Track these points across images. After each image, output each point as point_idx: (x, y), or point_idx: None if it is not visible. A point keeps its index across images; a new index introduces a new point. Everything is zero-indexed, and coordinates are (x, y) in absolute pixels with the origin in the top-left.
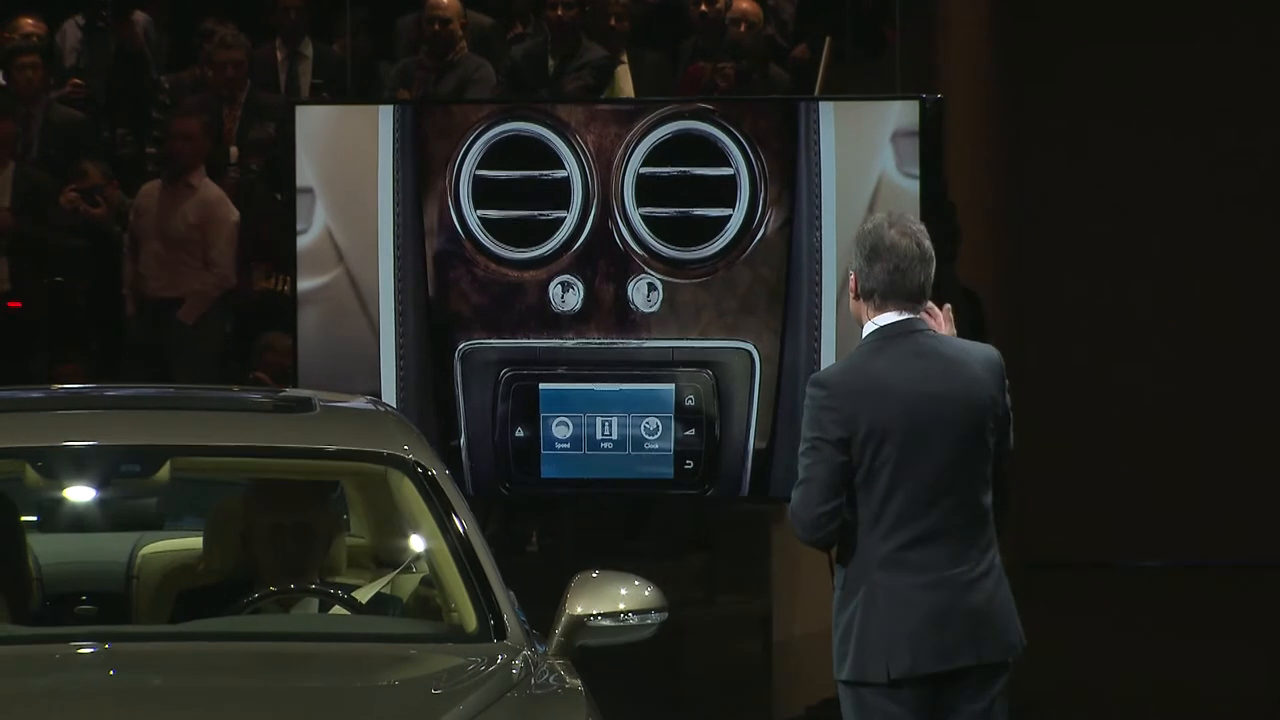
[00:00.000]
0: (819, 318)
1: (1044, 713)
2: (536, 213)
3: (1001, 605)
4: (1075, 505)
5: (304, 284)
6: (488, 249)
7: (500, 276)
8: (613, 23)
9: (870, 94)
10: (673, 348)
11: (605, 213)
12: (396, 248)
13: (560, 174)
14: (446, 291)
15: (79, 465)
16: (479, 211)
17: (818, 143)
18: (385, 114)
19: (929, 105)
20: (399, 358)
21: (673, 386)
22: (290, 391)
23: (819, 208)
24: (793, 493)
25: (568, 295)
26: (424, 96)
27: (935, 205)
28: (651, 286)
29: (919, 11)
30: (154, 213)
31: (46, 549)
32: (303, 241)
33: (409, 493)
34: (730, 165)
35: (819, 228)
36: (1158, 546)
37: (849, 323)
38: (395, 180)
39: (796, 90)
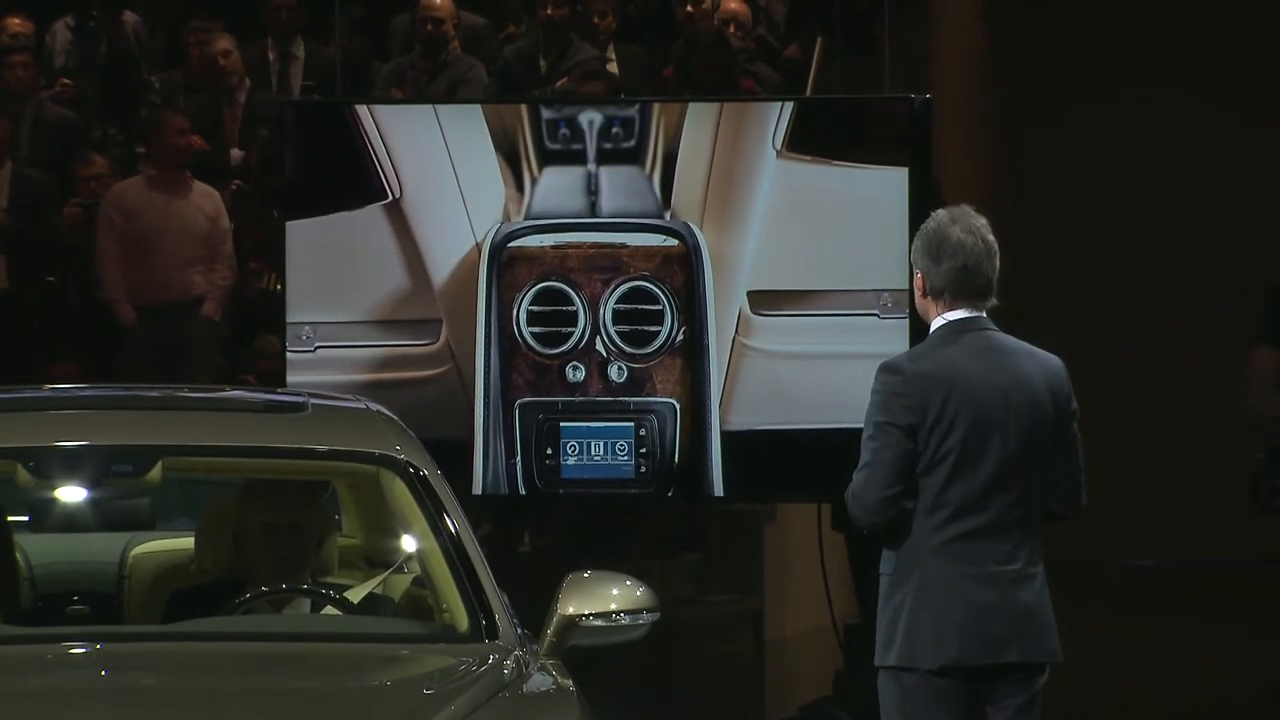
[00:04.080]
0: (710, 374)
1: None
2: (560, 329)
3: (1045, 608)
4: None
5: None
6: (534, 348)
7: (541, 362)
8: (596, 20)
9: (861, 94)
10: (631, 401)
11: (595, 330)
12: (485, 346)
13: (571, 309)
14: (510, 371)
15: (70, 465)
16: (529, 328)
17: (704, 277)
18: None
19: (918, 105)
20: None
21: (632, 424)
22: (282, 392)
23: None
24: (855, 476)
25: (576, 373)
26: (416, 96)
27: (930, 205)
28: (620, 369)
29: (909, 10)
30: (154, 211)
31: (38, 549)
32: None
33: (401, 493)
34: (660, 304)
35: (706, 337)
36: (1156, 546)
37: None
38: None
39: (789, 90)
